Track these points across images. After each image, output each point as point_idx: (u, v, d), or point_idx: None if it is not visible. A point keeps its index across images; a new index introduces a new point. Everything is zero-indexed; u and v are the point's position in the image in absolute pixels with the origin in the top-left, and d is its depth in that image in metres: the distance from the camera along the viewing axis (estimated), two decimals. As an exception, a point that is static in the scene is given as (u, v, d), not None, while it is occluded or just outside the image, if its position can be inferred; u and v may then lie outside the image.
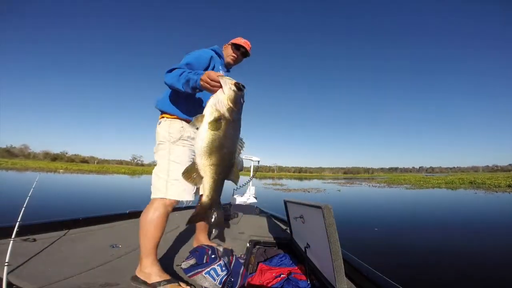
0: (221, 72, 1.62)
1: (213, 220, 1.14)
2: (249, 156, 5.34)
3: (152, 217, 1.47)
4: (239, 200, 4.76)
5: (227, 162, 1.07)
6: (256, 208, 4.39)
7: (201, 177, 1.06)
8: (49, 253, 1.86)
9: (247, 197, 4.91)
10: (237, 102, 1.08)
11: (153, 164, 1.74)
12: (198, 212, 1.12)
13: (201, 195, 1.13)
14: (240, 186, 4.69)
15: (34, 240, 2.03)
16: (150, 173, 1.67)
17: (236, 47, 1.98)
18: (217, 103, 1.06)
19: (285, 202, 2.41)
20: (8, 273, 1.36)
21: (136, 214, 3.16)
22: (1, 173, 26.11)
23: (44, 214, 2.99)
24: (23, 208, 1.77)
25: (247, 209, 4.33)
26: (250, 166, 5.48)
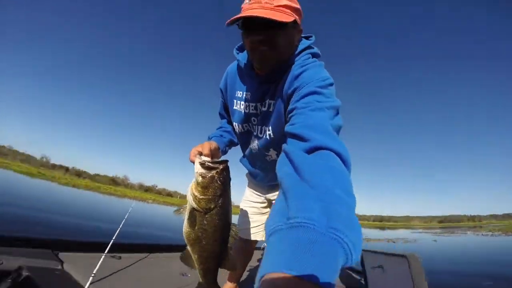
0: (240, 99, 1.21)
1: None
2: None
3: None
4: None
5: (209, 252, 0.96)
6: None
7: (194, 264, 1.00)
8: (129, 271, 2.07)
9: None
10: (206, 188, 0.87)
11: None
12: None
13: None
14: None
15: (120, 258, 2.28)
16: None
17: (244, 32, 0.99)
18: (188, 194, 0.91)
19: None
20: (91, 283, 1.54)
21: None
22: (106, 197, 32.73)
23: (132, 236, 3.43)
24: (119, 229, 2.17)
25: None
26: None
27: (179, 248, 3.05)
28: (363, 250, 2.21)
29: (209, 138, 1.23)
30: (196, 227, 0.91)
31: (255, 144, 1.25)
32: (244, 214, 1.65)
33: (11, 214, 6.77)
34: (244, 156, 1.44)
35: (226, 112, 1.37)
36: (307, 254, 0.38)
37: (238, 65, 1.20)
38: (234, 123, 1.29)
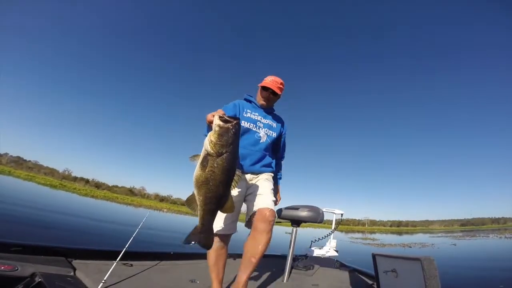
0: (250, 112, 2.01)
1: (203, 242, 1.27)
2: (331, 209, 5.08)
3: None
4: (317, 252, 4.40)
5: (214, 193, 1.14)
6: (336, 262, 4.02)
7: (197, 206, 1.19)
8: (140, 278, 2.11)
9: (326, 250, 4.51)
10: (221, 135, 1.11)
11: None
12: (192, 233, 1.24)
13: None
14: (320, 238, 4.48)
15: (131, 265, 2.34)
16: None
17: (264, 88, 2.03)
18: (205, 141, 1.15)
19: (374, 256, 2.22)
20: None
21: None
22: (122, 207, 33.98)
23: (144, 245, 3.49)
24: (132, 237, 2.25)
25: (325, 261, 3.96)
26: (332, 219, 5.19)
27: (189, 256, 3.13)
28: (376, 254, 2.18)
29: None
30: (207, 170, 1.11)
31: (260, 132, 2.01)
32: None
33: (29, 224, 7.06)
34: None
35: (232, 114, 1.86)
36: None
37: (246, 100, 2.12)
38: (243, 121, 1.94)
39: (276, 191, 2.17)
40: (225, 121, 1.13)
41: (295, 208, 2.66)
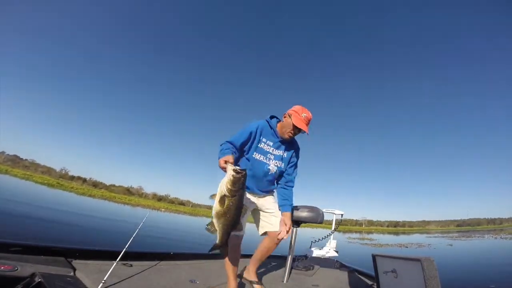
0: (264, 143, 2.14)
1: (222, 252, 1.75)
2: (331, 210, 5.09)
3: None
4: (317, 252, 4.42)
5: (229, 222, 1.59)
6: (336, 262, 4.03)
7: (216, 230, 1.62)
8: (140, 278, 2.11)
9: (326, 250, 4.53)
10: (235, 183, 1.53)
11: None
12: (214, 247, 1.68)
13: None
14: (320, 239, 4.54)
15: (131, 265, 2.33)
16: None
17: (295, 126, 2.09)
18: (222, 185, 1.56)
19: (374, 256, 2.23)
20: None
21: (215, 256, 3.33)
22: (121, 206, 33.91)
23: (144, 245, 3.48)
24: (132, 238, 2.26)
25: (325, 262, 3.98)
26: (332, 219, 5.20)
27: (189, 256, 3.14)
28: (376, 254, 2.20)
29: (222, 153, 1.86)
30: (225, 206, 1.55)
31: (270, 164, 2.16)
32: None
33: (27, 223, 7.02)
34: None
35: (242, 143, 2.07)
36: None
37: (269, 125, 2.17)
38: (254, 152, 2.12)
39: (285, 218, 2.19)
40: (237, 173, 1.53)
41: (295, 208, 2.66)
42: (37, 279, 1.53)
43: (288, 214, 2.20)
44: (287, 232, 2.11)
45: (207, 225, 1.66)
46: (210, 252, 1.74)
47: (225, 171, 1.62)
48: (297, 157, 2.34)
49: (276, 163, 2.19)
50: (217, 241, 1.65)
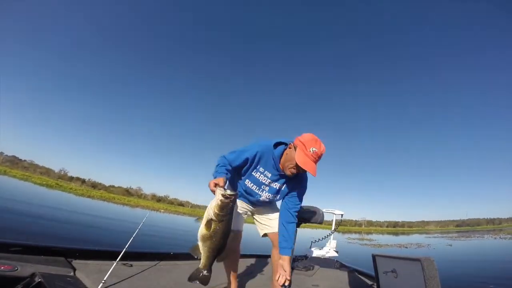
0: (261, 173, 1.89)
1: (203, 279, 1.56)
2: (332, 210, 5.11)
3: None
4: (317, 253, 4.44)
5: (215, 246, 1.50)
6: (336, 262, 4.04)
7: (200, 253, 1.52)
8: (139, 278, 2.11)
9: (326, 250, 4.55)
10: (223, 208, 1.45)
11: None
12: (195, 272, 1.55)
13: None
14: (320, 239, 4.55)
15: (131, 265, 2.33)
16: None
17: (299, 168, 1.72)
18: (209, 209, 1.48)
19: (374, 256, 2.24)
20: None
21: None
22: (120, 207, 33.99)
23: (144, 245, 3.48)
24: (132, 238, 2.27)
25: (325, 262, 3.99)
26: (332, 219, 5.22)
27: (189, 256, 3.11)
28: (376, 255, 2.21)
29: (217, 172, 1.75)
30: (211, 230, 1.47)
31: (262, 195, 1.97)
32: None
33: (27, 223, 7.01)
34: (240, 186, 2.02)
35: (237, 166, 1.87)
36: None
37: (267, 154, 1.85)
38: (247, 180, 1.93)
39: (284, 263, 1.84)
40: (226, 198, 1.45)
41: None
42: (37, 279, 1.53)
43: (288, 258, 1.85)
44: (288, 279, 1.78)
45: (191, 248, 1.56)
46: (189, 281, 1.54)
47: (215, 193, 1.52)
48: (303, 188, 2.01)
49: (268, 195, 1.97)
50: (200, 265, 1.54)
